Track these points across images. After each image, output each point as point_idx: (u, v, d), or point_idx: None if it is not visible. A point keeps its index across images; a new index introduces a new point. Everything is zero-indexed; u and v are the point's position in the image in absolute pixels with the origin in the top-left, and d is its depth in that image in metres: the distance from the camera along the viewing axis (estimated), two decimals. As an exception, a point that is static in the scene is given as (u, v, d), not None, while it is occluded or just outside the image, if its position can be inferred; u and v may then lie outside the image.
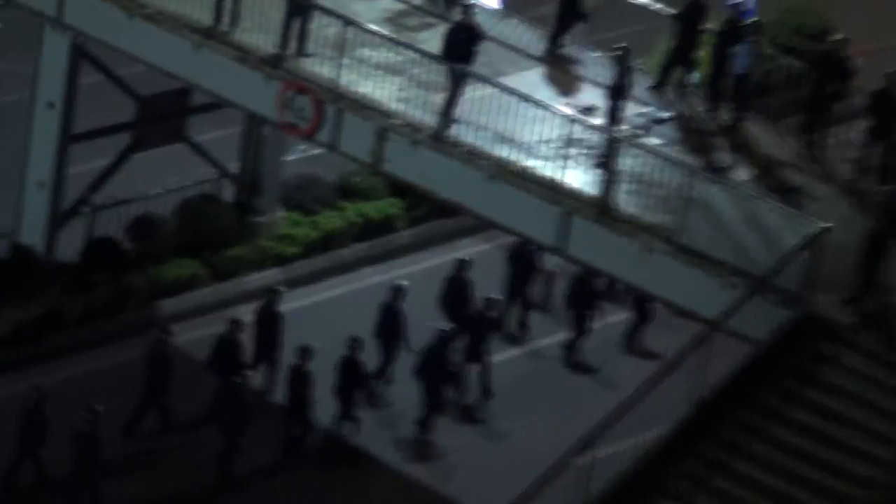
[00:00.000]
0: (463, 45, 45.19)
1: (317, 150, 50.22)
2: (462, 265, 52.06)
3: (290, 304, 51.11)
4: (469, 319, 51.11)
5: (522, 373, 53.63)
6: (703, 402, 38.44)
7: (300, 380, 48.80)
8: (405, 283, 51.25)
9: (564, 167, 43.18)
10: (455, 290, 51.62)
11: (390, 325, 49.65)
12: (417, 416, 50.88)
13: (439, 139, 43.60)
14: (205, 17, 46.71)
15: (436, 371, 49.67)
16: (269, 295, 49.26)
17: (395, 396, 52.24)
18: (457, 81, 44.05)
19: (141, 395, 47.93)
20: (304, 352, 47.93)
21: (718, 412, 38.57)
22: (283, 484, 49.88)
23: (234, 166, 53.97)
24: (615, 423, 38.80)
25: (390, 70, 45.81)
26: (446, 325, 49.93)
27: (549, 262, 52.79)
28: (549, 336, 54.72)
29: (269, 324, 48.88)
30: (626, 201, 42.57)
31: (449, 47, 45.21)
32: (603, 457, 38.60)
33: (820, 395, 39.09)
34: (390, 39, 46.18)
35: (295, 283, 53.62)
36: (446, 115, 43.64)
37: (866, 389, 38.69)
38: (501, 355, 53.00)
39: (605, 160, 42.11)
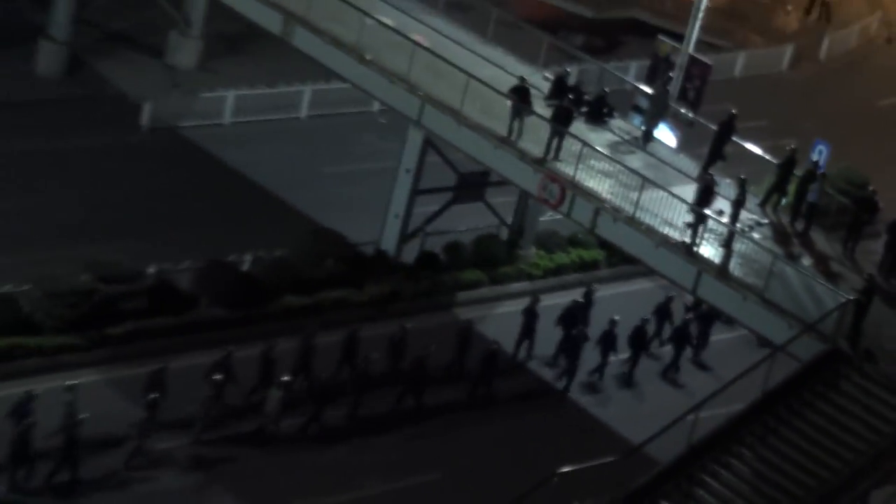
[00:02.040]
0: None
1: (558, 216, 49.90)
2: (669, 299, 51.98)
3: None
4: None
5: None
6: (768, 392, 39.99)
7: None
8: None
9: (701, 244, 44.47)
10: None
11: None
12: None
13: (630, 219, 45.00)
14: (502, 130, 47.77)
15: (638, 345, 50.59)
16: (532, 298, 50.29)
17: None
18: (641, 186, 45.25)
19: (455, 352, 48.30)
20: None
21: (776, 399, 39.92)
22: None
23: (509, 219, 54.48)
24: (711, 399, 40.80)
25: (606, 175, 46.69)
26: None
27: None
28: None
29: (529, 316, 49.77)
30: (735, 268, 43.62)
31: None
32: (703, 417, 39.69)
33: (835, 395, 40.29)
34: (608, 157, 47.13)
35: (537, 292, 52.31)
36: (636, 204, 44.77)
37: (861, 392, 40.29)
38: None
39: (727, 243, 44.09)
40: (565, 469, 38.56)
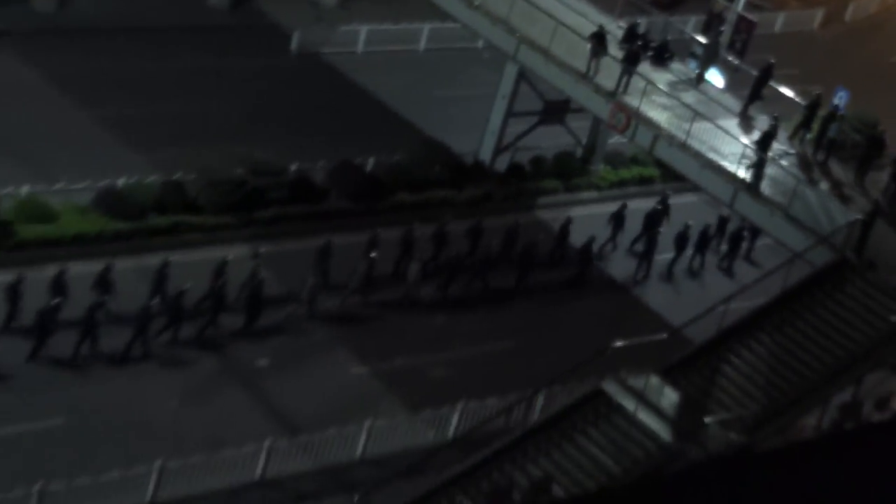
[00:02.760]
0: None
1: (623, 140, 50.40)
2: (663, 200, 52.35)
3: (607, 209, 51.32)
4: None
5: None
6: (786, 290, 40.14)
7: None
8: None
9: (739, 167, 44.11)
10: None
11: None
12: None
13: (682, 145, 44.88)
14: (582, 67, 47.36)
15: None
16: (621, 204, 50.89)
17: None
18: (693, 118, 45.43)
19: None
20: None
21: (793, 296, 39.97)
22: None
23: (584, 140, 54.21)
24: (738, 294, 41.67)
25: (665, 108, 46.69)
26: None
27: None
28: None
29: (618, 219, 50.09)
30: (765, 188, 43.40)
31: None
32: (734, 309, 40.29)
33: (841, 295, 40.17)
34: (666, 93, 47.50)
35: (604, 199, 53.13)
36: (687, 133, 44.73)
37: (862, 294, 40.21)
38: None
39: (758, 167, 43.63)
40: (619, 343, 38.32)
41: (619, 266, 50.72)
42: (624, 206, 51.18)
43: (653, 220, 51.24)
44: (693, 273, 51.73)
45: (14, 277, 38.59)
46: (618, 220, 51.04)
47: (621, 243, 51.26)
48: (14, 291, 38.23)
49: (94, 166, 45.40)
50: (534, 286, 47.64)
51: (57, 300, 38.07)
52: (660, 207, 51.30)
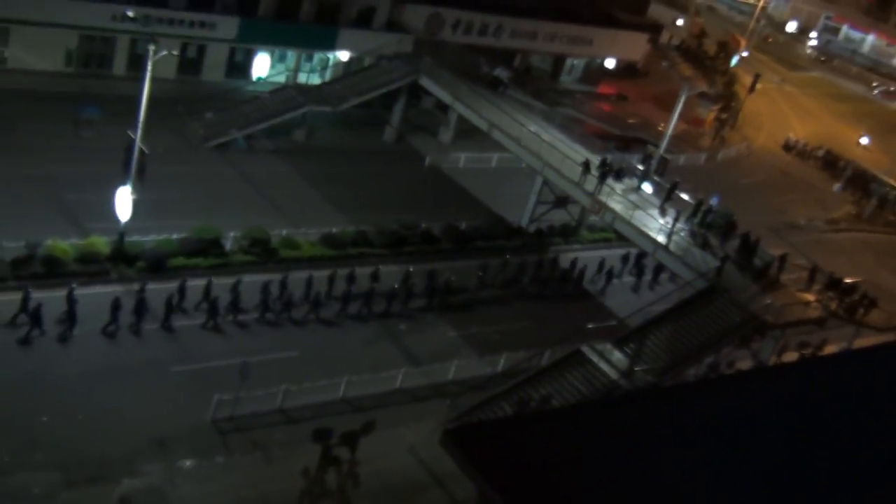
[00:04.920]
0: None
1: (597, 218, 47.42)
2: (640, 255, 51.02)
3: (591, 254, 51.93)
4: None
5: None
6: (682, 300, 39.51)
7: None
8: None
9: (657, 234, 42.59)
10: None
11: None
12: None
13: (628, 222, 43.28)
14: (576, 178, 45.63)
15: None
16: (627, 251, 50.56)
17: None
18: (634, 208, 45.16)
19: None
20: None
21: (684, 305, 39.20)
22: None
23: (576, 217, 52.39)
24: (655, 302, 41.20)
25: (619, 202, 44.89)
26: None
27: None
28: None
29: (625, 258, 49.70)
30: (671, 246, 41.82)
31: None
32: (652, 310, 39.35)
33: (709, 305, 39.27)
34: (621, 195, 45.49)
35: (586, 249, 51.74)
36: (630, 216, 43.83)
37: (721, 305, 39.13)
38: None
39: (668, 235, 43.74)
40: (590, 325, 38.21)
41: (598, 285, 49.17)
42: (630, 253, 49.76)
43: (639, 259, 49.94)
44: (633, 289, 50.19)
45: (282, 276, 38.79)
46: (624, 259, 50.21)
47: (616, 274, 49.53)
48: (283, 285, 38.27)
49: (320, 220, 45.44)
50: (547, 294, 46.64)
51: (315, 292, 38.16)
52: (641, 252, 48.18)
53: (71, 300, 32.27)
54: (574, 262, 48.92)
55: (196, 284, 36.13)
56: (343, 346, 37.27)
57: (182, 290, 35.31)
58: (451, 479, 29.11)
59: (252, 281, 37.90)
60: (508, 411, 34.19)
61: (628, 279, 49.87)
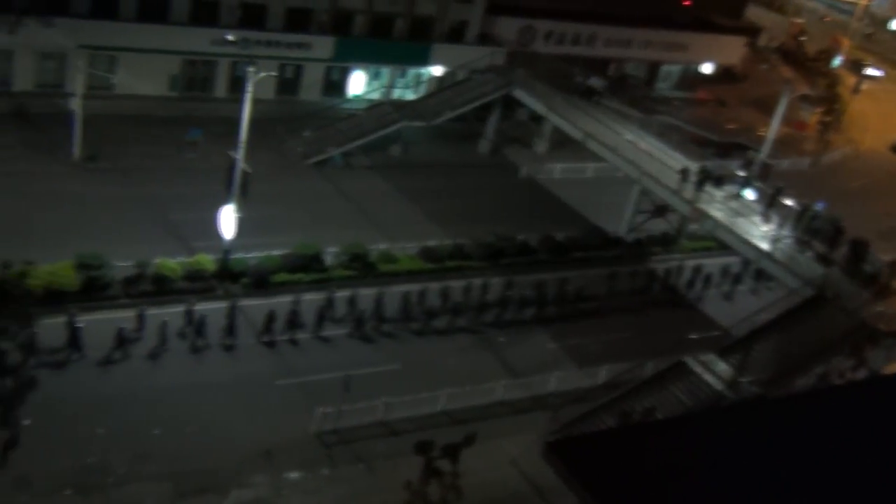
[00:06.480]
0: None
1: (696, 227, 47.24)
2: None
3: (689, 264, 51.02)
4: None
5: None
6: (788, 309, 38.28)
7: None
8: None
9: (761, 242, 41.83)
10: None
11: None
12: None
13: (730, 230, 42.42)
14: (674, 186, 45.14)
15: None
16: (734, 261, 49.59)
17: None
18: (735, 215, 44.30)
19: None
20: None
21: (793, 312, 37.89)
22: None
23: (676, 225, 51.68)
24: (760, 310, 39.85)
25: (720, 209, 44.04)
26: None
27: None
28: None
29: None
30: (775, 253, 40.78)
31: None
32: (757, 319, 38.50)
33: (817, 313, 38.01)
34: (721, 202, 44.72)
35: (686, 259, 51.68)
36: (732, 223, 42.68)
37: (829, 312, 37.98)
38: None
39: (774, 242, 42.65)
40: (692, 336, 37.53)
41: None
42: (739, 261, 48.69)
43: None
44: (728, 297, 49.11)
45: (377, 291, 39.19)
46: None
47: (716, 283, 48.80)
48: (379, 300, 38.67)
49: (417, 234, 45.76)
50: (647, 304, 46.07)
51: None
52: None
53: (189, 315, 33.96)
54: (674, 271, 48.41)
55: (311, 298, 37.35)
56: (443, 359, 37.32)
57: (295, 304, 36.51)
58: (552, 491, 28.77)
59: (363, 294, 38.93)
60: (611, 423, 33.89)
61: (728, 288, 49.05)
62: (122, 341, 32.44)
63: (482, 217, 49.60)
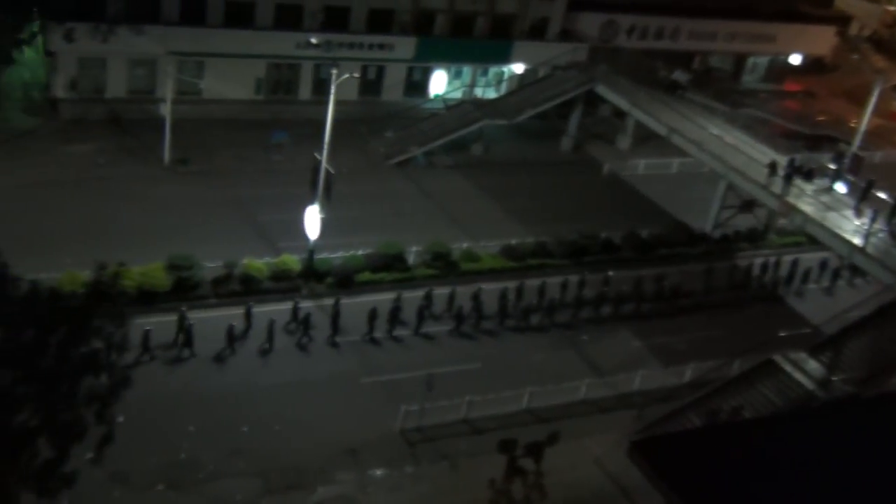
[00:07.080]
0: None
1: (785, 221, 46.72)
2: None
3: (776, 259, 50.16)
4: None
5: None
6: (881, 305, 37.47)
7: None
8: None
9: (853, 236, 41.13)
10: None
11: None
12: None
13: (821, 225, 41.65)
14: (762, 181, 44.53)
15: None
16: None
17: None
18: (826, 209, 43.22)
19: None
20: None
21: (886, 308, 37.17)
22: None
23: (763, 221, 50.83)
24: (853, 307, 38.99)
25: (810, 203, 43.14)
26: None
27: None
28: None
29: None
30: (868, 248, 39.96)
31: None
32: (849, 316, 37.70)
33: None
34: (811, 196, 43.89)
35: (774, 255, 50.36)
36: (823, 217, 42.29)
37: None
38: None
39: (866, 237, 41.26)
40: (782, 334, 36.72)
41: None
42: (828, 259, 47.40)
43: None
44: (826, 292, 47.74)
45: (450, 290, 39.31)
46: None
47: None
48: (477, 298, 38.70)
49: (499, 233, 45.71)
50: (736, 301, 45.13)
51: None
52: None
53: (295, 312, 35.20)
54: (763, 267, 47.40)
55: (413, 296, 37.97)
56: (525, 357, 37.27)
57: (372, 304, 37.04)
58: (638, 491, 28.43)
59: (440, 293, 38.95)
60: (697, 423, 33.31)
61: (828, 283, 47.86)
62: (233, 339, 33.31)
63: (564, 215, 49.35)
